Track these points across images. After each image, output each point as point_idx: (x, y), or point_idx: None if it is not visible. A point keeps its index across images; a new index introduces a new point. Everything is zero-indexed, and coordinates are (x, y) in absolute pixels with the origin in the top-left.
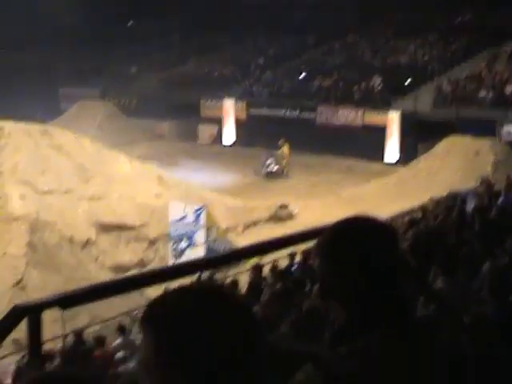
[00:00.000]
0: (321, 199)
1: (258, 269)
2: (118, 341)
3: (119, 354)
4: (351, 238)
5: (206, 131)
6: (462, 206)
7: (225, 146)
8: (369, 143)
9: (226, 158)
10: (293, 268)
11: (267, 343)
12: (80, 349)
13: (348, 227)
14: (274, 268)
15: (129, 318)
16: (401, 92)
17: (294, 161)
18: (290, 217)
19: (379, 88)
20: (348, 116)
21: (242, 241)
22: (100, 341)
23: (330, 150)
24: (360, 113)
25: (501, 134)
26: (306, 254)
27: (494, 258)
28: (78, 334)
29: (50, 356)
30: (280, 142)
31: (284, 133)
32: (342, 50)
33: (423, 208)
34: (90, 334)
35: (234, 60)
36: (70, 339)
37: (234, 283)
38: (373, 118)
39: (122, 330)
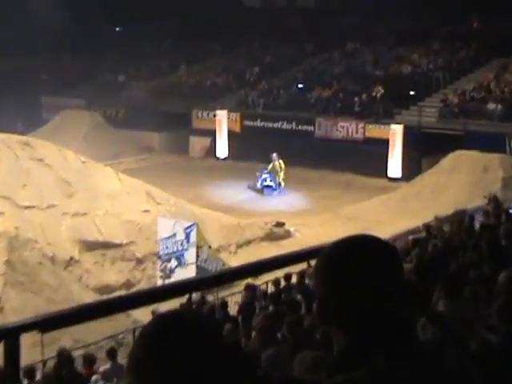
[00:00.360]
0: (319, 216)
1: (250, 289)
2: (108, 365)
3: (95, 377)
4: (351, 258)
5: (197, 144)
6: (469, 224)
7: (217, 160)
8: (370, 158)
9: (219, 173)
10: (288, 290)
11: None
12: (66, 365)
13: (348, 246)
14: (267, 289)
15: (114, 342)
16: (404, 104)
17: (291, 175)
18: (286, 235)
19: (381, 99)
20: (348, 129)
21: (235, 260)
22: (89, 360)
23: (329, 165)
24: (361, 125)
25: (510, 148)
26: (303, 275)
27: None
28: (64, 352)
29: (31, 372)
30: (274, 156)
31: (280, 146)
32: (341, 58)
33: (427, 227)
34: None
35: (227, 68)
36: (55, 358)
37: (224, 304)
38: (374, 131)
39: (112, 353)
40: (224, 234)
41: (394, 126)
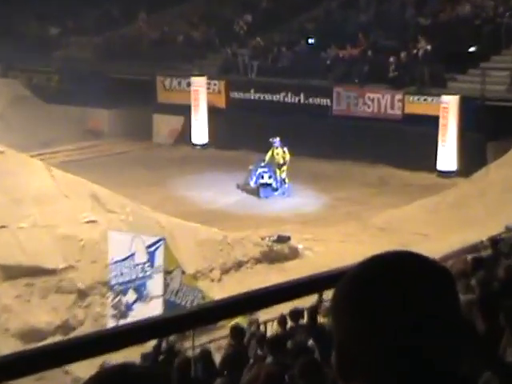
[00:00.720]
0: (339, 228)
1: (238, 333)
2: None
3: None
4: (383, 284)
5: (164, 125)
6: None
7: (193, 148)
8: (411, 143)
9: (196, 166)
10: (295, 332)
11: None
12: None
13: (379, 268)
14: (264, 333)
15: None
16: (461, 65)
17: (298, 169)
18: (293, 255)
19: (427, 59)
20: (380, 102)
21: (220, 291)
22: None
23: (353, 154)
24: (398, 97)
25: None
26: (316, 312)
27: None
28: None
29: None
30: (275, 142)
31: (284, 128)
32: (369, 1)
33: (495, 242)
34: None
35: (207, 17)
36: None
37: (205, 355)
38: (417, 105)
39: None
40: (204, 253)
41: (445, 98)
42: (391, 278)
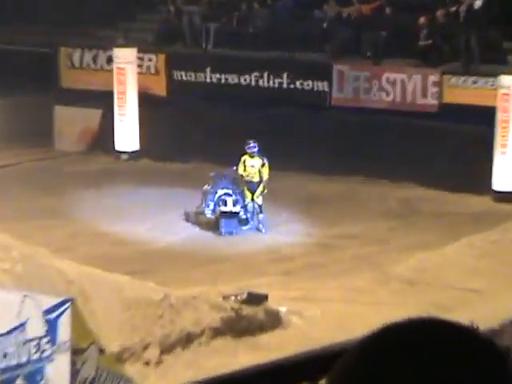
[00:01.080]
0: (343, 280)
1: None
2: None
3: None
4: (408, 368)
5: (72, 123)
6: None
7: (118, 158)
8: (453, 149)
9: (122, 186)
10: None
11: None
12: None
13: (395, 342)
14: None
15: None
16: None
17: (280, 192)
18: (272, 322)
19: (476, 20)
20: (405, 86)
21: (160, 379)
22: None
23: (363, 167)
24: (433, 79)
25: None
26: None
27: None
28: None
29: None
30: (251, 149)
31: (255, 126)
32: None
33: None
34: None
35: None
36: None
37: None
38: (463, 90)
39: None
40: (134, 321)
41: (505, 80)
42: (411, 360)
